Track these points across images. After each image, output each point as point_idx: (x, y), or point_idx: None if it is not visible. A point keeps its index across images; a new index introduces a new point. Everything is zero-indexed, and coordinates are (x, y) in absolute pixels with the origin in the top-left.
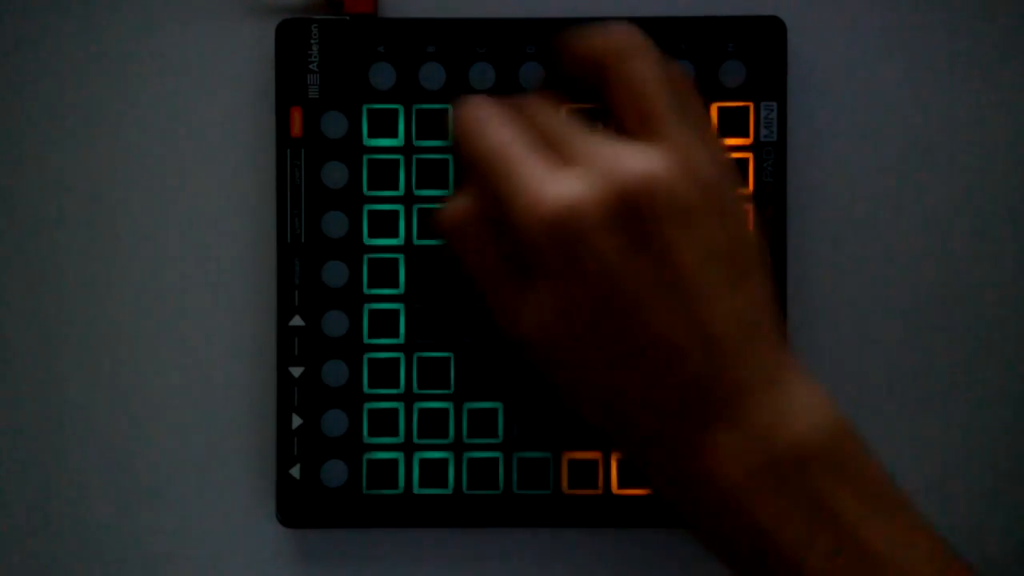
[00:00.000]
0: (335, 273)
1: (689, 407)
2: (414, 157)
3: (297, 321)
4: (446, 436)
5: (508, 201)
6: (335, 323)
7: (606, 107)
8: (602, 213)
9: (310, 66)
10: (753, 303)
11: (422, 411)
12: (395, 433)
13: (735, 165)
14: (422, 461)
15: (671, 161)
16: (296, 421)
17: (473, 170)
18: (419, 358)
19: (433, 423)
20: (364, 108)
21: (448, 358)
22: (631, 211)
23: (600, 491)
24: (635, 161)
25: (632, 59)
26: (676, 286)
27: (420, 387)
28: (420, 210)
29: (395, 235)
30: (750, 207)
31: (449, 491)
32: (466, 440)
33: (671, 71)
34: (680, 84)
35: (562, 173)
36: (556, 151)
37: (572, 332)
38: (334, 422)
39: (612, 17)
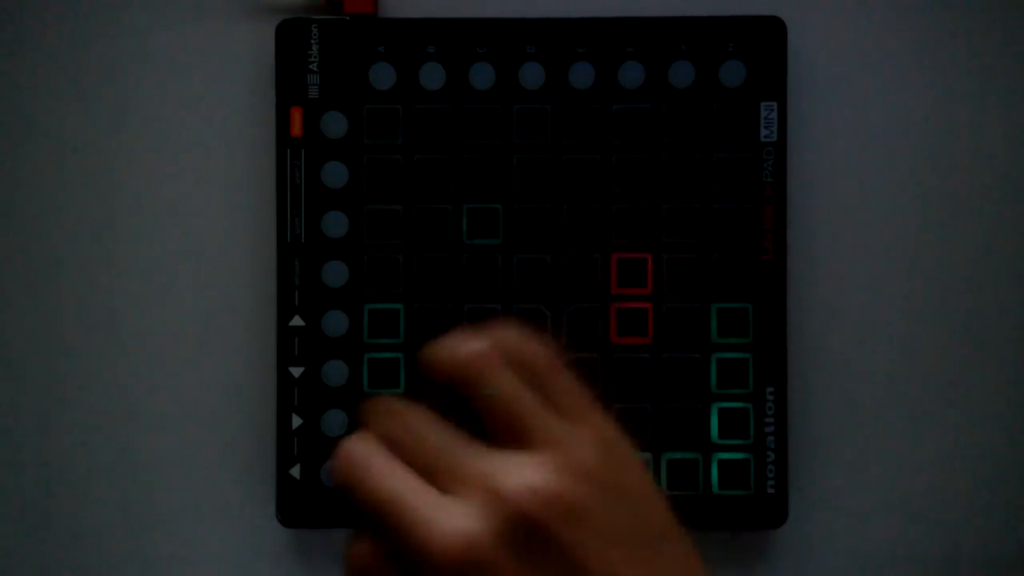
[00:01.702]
0: (335, 273)
1: None
2: (414, 157)
3: (297, 321)
4: None
5: (406, 543)
6: (335, 323)
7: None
8: (497, 541)
9: (310, 66)
10: (675, 572)
11: None
12: None
13: (620, 433)
14: None
15: (548, 465)
16: (296, 421)
17: (367, 515)
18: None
19: None
20: (364, 108)
21: None
22: (524, 531)
23: None
24: (514, 478)
25: (482, 376)
26: None
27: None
28: (420, 210)
29: (395, 235)
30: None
31: None
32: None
33: (536, 365)
34: (547, 379)
35: (449, 507)
36: (437, 478)
37: None
38: (334, 422)
39: (612, 17)
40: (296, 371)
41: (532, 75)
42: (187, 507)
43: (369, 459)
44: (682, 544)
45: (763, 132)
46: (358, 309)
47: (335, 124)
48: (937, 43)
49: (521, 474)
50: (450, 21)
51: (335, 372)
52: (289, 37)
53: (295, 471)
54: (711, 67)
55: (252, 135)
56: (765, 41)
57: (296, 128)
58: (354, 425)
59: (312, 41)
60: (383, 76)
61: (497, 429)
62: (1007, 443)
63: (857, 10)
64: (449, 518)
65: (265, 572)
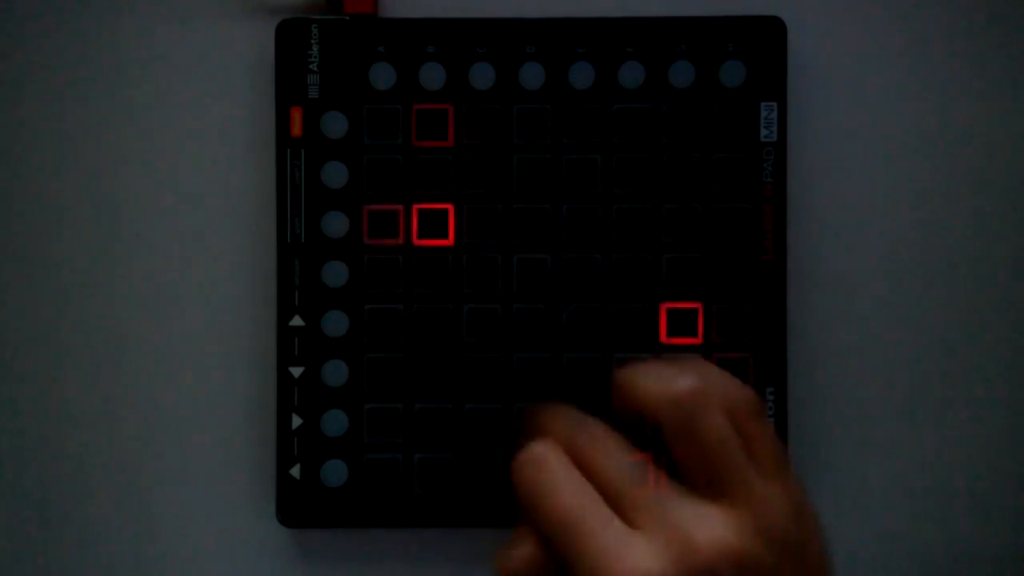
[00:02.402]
0: (335, 273)
1: None
2: (414, 157)
3: (297, 321)
4: (446, 436)
5: (581, 564)
6: (335, 323)
7: (667, 454)
8: None
9: (310, 66)
10: None
11: (422, 411)
12: (395, 433)
13: (812, 510)
14: (422, 461)
15: (742, 525)
16: (296, 421)
17: (542, 525)
18: (419, 358)
19: (433, 423)
20: (364, 108)
21: (448, 359)
22: None
23: None
24: (706, 531)
25: (695, 417)
26: None
27: (420, 387)
28: (420, 210)
29: (395, 235)
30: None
31: (449, 491)
32: (466, 440)
33: (742, 411)
34: (751, 427)
35: (635, 543)
36: (624, 506)
37: None
38: (334, 422)
39: (612, 17)
40: (296, 371)
41: (532, 75)
42: (187, 507)
43: (557, 471)
44: None
45: (763, 132)
46: (358, 309)
47: (335, 124)
48: (937, 43)
49: (715, 528)
50: (450, 21)
51: (335, 372)
52: (289, 37)
53: (295, 471)
54: (711, 67)
55: (252, 135)
56: (765, 41)
57: (296, 128)
58: (354, 425)
59: (312, 41)
60: (383, 76)
61: (696, 472)
62: (1007, 443)
63: (857, 10)
64: (634, 554)
65: (265, 572)
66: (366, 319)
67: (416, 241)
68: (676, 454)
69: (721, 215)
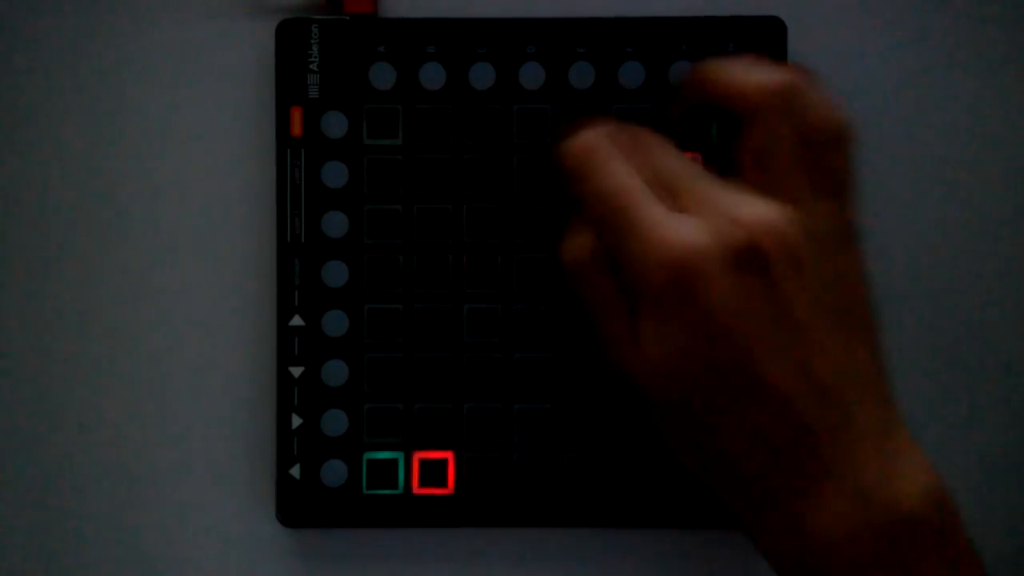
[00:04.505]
0: (335, 273)
1: (795, 458)
2: (414, 157)
3: (297, 321)
4: (446, 436)
5: (629, 241)
6: (335, 323)
7: (728, 144)
8: (721, 258)
9: (310, 66)
10: (865, 361)
11: (422, 411)
12: (395, 433)
13: (860, 248)
14: (422, 461)
15: (789, 214)
16: (296, 421)
17: (593, 207)
18: (419, 358)
19: (433, 423)
20: (364, 108)
21: (448, 359)
22: (749, 258)
23: (601, 491)
24: (754, 211)
25: (779, 109)
26: (790, 335)
27: (420, 387)
28: (420, 210)
29: (395, 235)
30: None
31: (449, 491)
32: (466, 440)
33: (825, 128)
34: (827, 148)
35: (682, 219)
36: (673, 193)
37: (682, 370)
38: (334, 422)
39: (612, 17)
40: (296, 371)
41: (532, 75)
42: (187, 507)
43: (607, 154)
44: (879, 345)
45: None
46: (358, 309)
47: (335, 124)
48: (937, 43)
49: (759, 208)
50: (450, 21)
51: (335, 372)
52: (289, 37)
53: (295, 471)
54: None
55: (252, 135)
56: (765, 41)
57: (296, 128)
58: (354, 425)
59: (312, 41)
60: (383, 76)
61: (753, 170)
62: (1007, 443)
63: (857, 10)
64: (680, 228)
65: (265, 572)
66: (366, 319)
67: (416, 241)
68: (744, 141)
69: None
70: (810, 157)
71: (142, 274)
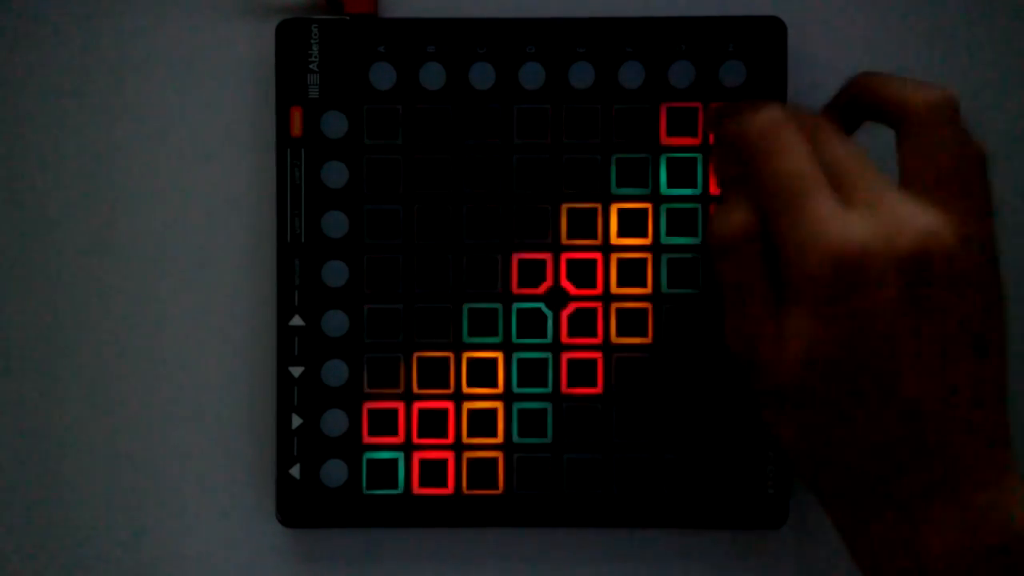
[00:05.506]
0: (335, 273)
1: (916, 473)
2: (414, 157)
3: (297, 321)
4: (446, 436)
5: (798, 228)
6: (335, 323)
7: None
8: (887, 261)
9: (310, 66)
10: (993, 384)
11: (422, 411)
12: (395, 433)
13: (998, 244)
14: (422, 461)
15: (955, 228)
16: (296, 421)
17: (766, 186)
18: (419, 358)
19: (433, 423)
20: (364, 108)
21: (448, 358)
22: (914, 266)
23: (600, 491)
24: (925, 220)
25: (943, 122)
26: (937, 350)
27: (420, 387)
28: (420, 210)
29: (395, 235)
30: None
31: (449, 491)
32: (466, 440)
33: (969, 142)
34: (973, 155)
35: (849, 216)
36: (845, 186)
37: (825, 365)
38: (334, 422)
39: (612, 17)
40: (296, 371)
41: (532, 75)
42: (187, 507)
43: (789, 134)
44: (1006, 367)
45: None
46: (358, 309)
47: (335, 124)
48: (937, 43)
49: (928, 218)
50: (450, 21)
51: (335, 372)
52: (289, 37)
53: (295, 471)
54: (711, 67)
55: (252, 135)
56: (765, 41)
57: (296, 128)
58: (354, 425)
59: (312, 41)
60: (383, 76)
61: (918, 172)
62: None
63: (857, 10)
64: (851, 223)
65: (265, 572)
66: (366, 319)
67: (416, 241)
68: (907, 152)
69: None
70: (967, 174)
71: (142, 274)
